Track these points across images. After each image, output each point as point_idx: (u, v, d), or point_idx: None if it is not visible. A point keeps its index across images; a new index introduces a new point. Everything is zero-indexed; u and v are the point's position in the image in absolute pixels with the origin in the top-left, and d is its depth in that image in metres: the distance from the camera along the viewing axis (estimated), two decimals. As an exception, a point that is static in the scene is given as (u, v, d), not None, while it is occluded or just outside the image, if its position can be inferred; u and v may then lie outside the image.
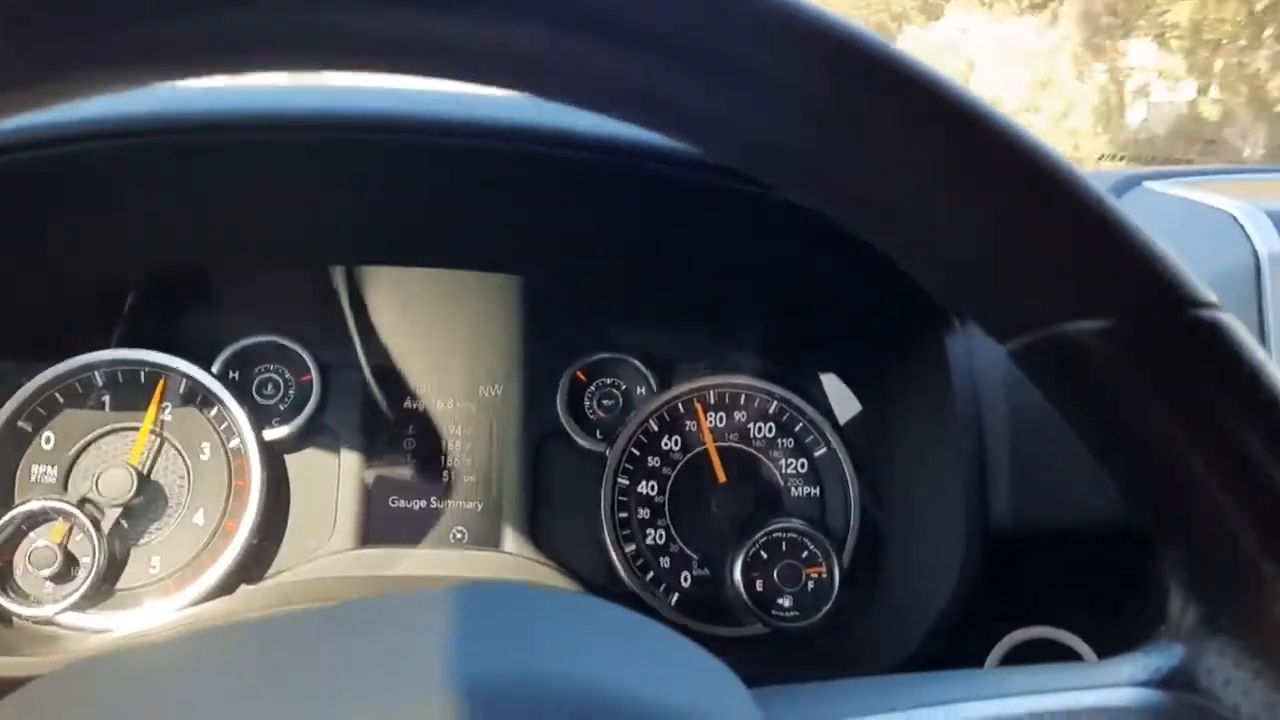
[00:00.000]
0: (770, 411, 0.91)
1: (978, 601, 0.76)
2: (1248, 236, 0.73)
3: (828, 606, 0.84)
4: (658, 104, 0.31)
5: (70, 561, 0.82)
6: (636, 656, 0.34)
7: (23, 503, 0.82)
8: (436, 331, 0.93)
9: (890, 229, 0.34)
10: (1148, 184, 0.88)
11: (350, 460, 0.90)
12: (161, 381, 0.88)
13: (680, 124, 0.32)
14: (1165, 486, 0.34)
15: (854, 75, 0.30)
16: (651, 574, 0.88)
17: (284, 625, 0.35)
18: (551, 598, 0.38)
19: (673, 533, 0.89)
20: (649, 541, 0.89)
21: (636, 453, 0.90)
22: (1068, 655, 0.75)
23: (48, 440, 0.86)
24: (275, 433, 0.89)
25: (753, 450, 0.91)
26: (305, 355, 0.91)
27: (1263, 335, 0.71)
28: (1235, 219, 0.75)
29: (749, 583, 0.85)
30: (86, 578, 0.81)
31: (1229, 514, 0.32)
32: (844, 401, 0.91)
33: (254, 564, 0.86)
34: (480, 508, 0.91)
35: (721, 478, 0.89)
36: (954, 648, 0.77)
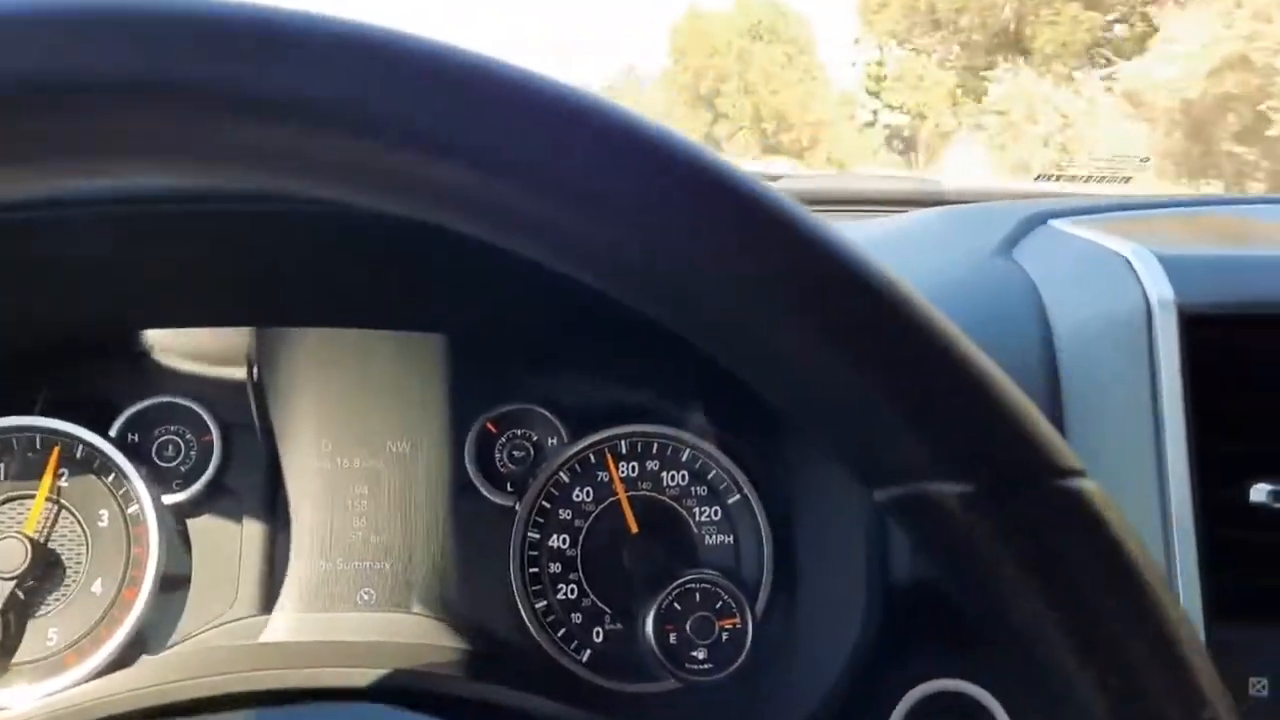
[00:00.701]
0: (683, 459, 0.90)
1: (884, 653, 0.75)
2: (1139, 281, 0.73)
3: (741, 659, 0.82)
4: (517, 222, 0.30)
5: (-39, 638, 0.80)
6: None
7: (-90, 579, 0.79)
8: (341, 388, 0.91)
9: (745, 364, 0.33)
10: (1053, 222, 0.88)
11: (253, 523, 0.88)
12: (57, 448, 0.86)
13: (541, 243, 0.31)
14: (1025, 649, 0.34)
15: (697, 202, 0.29)
16: (563, 630, 0.86)
17: None
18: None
19: (585, 586, 0.87)
20: (560, 596, 0.87)
21: (547, 505, 0.88)
22: (974, 708, 0.75)
23: (-61, 513, 0.84)
24: (175, 497, 0.87)
25: (666, 499, 0.90)
26: (206, 415, 0.89)
27: (1153, 380, 0.70)
28: (1128, 262, 0.75)
29: (662, 636, 0.83)
30: (-21, 654, 0.79)
31: (1079, 684, 0.32)
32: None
33: (155, 633, 0.84)
34: (387, 568, 0.89)
35: (634, 528, 0.88)
36: (863, 700, 0.76)
